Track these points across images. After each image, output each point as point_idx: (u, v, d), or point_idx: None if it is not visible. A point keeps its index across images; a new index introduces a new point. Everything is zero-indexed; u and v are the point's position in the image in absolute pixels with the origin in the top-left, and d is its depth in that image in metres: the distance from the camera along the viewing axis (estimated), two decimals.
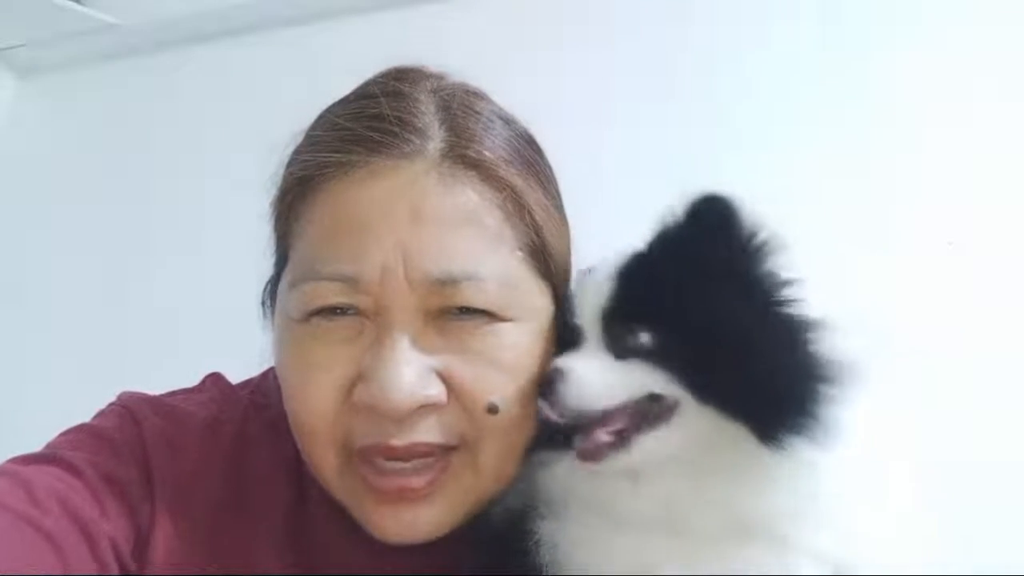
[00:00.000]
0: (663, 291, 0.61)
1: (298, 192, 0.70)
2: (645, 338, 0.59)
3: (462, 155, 0.67)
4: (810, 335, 0.58)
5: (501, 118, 0.75)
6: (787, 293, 0.61)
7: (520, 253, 0.68)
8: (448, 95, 0.72)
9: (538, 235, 0.70)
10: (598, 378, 0.59)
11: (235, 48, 2.09)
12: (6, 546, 0.54)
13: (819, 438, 0.54)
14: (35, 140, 2.24)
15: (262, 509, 0.72)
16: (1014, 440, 1.33)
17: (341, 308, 0.65)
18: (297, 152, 0.74)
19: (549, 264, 0.71)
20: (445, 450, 0.65)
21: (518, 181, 0.69)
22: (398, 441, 0.62)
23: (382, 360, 0.62)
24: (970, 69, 1.55)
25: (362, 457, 0.65)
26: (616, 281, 0.63)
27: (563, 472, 0.64)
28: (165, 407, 0.75)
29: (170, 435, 0.71)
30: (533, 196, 0.70)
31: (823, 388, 0.55)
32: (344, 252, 0.64)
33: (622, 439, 0.59)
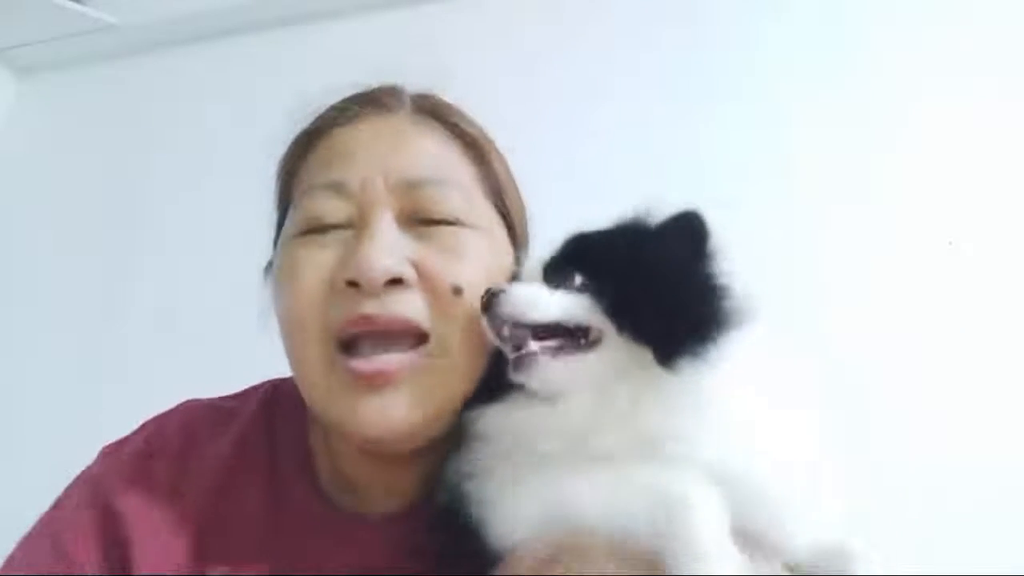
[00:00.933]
0: (602, 250, 0.70)
1: (299, 150, 0.83)
2: (578, 280, 0.68)
3: (430, 110, 0.83)
4: (716, 286, 0.66)
5: (463, 111, 0.87)
6: (710, 268, 0.69)
7: (480, 186, 0.81)
8: (422, 92, 0.87)
9: (496, 180, 0.83)
10: (532, 294, 0.68)
11: (235, 48, 2.09)
12: None
13: (711, 363, 0.61)
14: (35, 140, 2.24)
15: (240, 501, 0.80)
16: (1014, 439, 1.33)
17: (331, 224, 0.75)
18: (299, 126, 0.86)
19: (506, 207, 0.84)
20: (417, 339, 0.72)
21: (478, 135, 0.84)
22: (373, 310, 0.70)
23: (363, 241, 0.72)
24: (970, 69, 1.55)
25: (342, 347, 0.72)
26: (564, 242, 0.73)
27: (495, 412, 0.70)
28: (137, 450, 0.84)
29: (142, 481, 0.80)
30: (492, 152, 0.85)
31: (718, 323, 0.63)
32: (335, 168, 0.77)
33: (553, 353, 0.66)
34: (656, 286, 0.66)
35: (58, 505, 0.81)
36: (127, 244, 2.01)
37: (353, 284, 0.71)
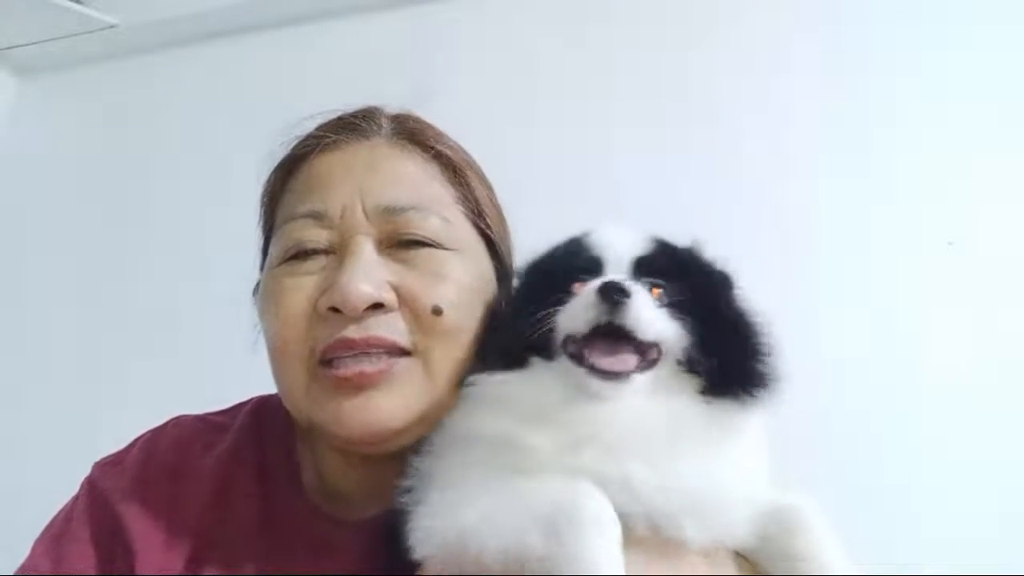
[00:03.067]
0: (688, 272, 0.72)
1: (281, 175, 0.86)
2: (665, 295, 0.69)
3: (409, 135, 0.85)
4: (769, 341, 0.70)
5: (441, 132, 0.89)
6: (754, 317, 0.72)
7: (459, 207, 0.83)
8: (400, 113, 0.89)
9: (475, 200, 0.85)
10: (651, 312, 0.66)
11: (235, 48, 2.09)
12: None
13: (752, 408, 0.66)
14: (35, 140, 2.24)
15: (232, 510, 0.83)
16: (1014, 438, 1.33)
17: (313, 250, 0.78)
18: (282, 149, 0.88)
19: (486, 224, 0.85)
20: (398, 351, 0.75)
21: (455, 157, 0.85)
22: (355, 334, 0.73)
23: (343, 269, 0.74)
24: (970, 70, 1.55)
25: (325, 363, 0.75)
26: (651, 243, 0.73)
27: (520, 381, 0.69)
28: (133, 462, 0.86)
29: (139, 491, 0.83)
30: (470, 173, 0.86)
31: (771, 375, 0.67)
32: (315, 197, 0.79)
33: (639, 369, 0.66)
34: (736, 330, 0.69)
35: (56, 520, 0.84)
36: (127, 244, 2.01)
37: (335, 310, 0.73)
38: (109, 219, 2.05)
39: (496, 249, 0.86)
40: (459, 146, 0.88)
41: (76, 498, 0.85)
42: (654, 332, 0.65)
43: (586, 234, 0.75)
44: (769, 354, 0.68)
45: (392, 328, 0.74)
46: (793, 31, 1.69)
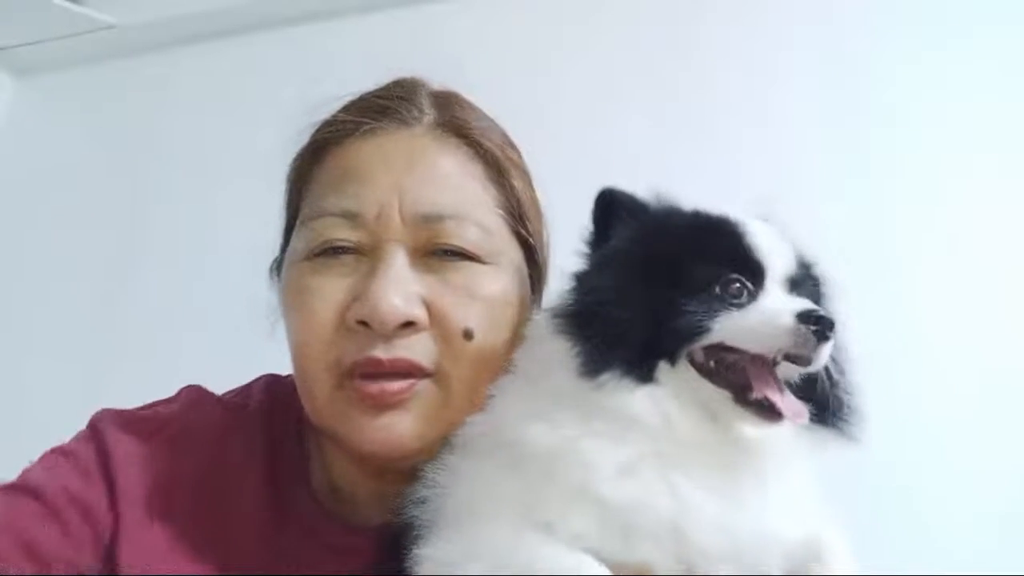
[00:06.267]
0: (815, 295, 0.65)
1: (311, 158, 0.81)
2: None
3: (452, 126, 0.79)
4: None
5: (487, 116, 0.84)
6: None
7: (500, 211, 0.79)
8: (442, 92, 0.84)
9: (517, 202, 0.81)
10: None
11: (234, 48, 2.09)
12: None
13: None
14: (34, 140, 2.24)
15: (238, 498, 0.79)
16: (1014, 439, 1.33)
17: (342, 247, 0.74)
18: (312, 129, 0.83)
19: (526, 228, 0.81)
20: (422, 374, 0.73)
21: (499, 154, 0.81)
22: (383, 354, 0.70)
23: (375, 280, 0.71)
24: (970, 70, 1.55)
25: (350, 375, 0.72)
26: (796, 259, 0.65)
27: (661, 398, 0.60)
28: (136, 422, 0.83)
29: (139, 451, 0.79)
30: (513, 171, 0.82)
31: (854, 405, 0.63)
32: (348, 192, 0.74)
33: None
34: (840, 363, 0.63)
35: (55, 458, 0.80)
36: (127, 244, 2.01)
37: (364, 323, 0.71)
38: (108, 219, 2.05)
39: (534, 255, 0.83)
40: (503, 134, 0.84)
41: (77, 446, 0.81)
42: (818, 370, 0.58)
43: (738, 224, 0.63)
44: (857, 391, 0.63)
45: (420, 351, 0.72)
46: (793, 31, 1.69)
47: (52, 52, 2.21)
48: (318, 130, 0.81)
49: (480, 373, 0.72)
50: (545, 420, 0.59)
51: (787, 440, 0.59)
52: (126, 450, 0.79)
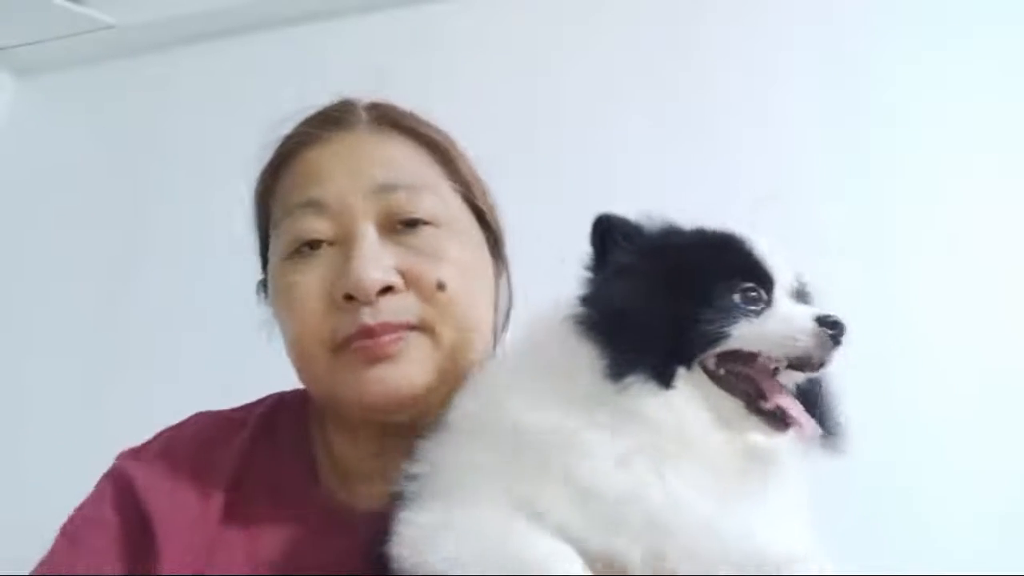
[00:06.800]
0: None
1: (272, 173, 0.90)
2: None
3: (389, 120, 0.89)
4: None
5: (417, 114, 0.92)
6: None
7: (449, 183, 0.87)
8: (378, 101, 0.92)
9: (462, 177, 0.89)
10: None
11: (234, 48, 2.09)
12: None
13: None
14: (34, 140, 2.24)
15: (246, 500, 0.86)
16: (1014, 439, 1.33)
17: (315, 241, 0.82)
18: (269, 148, 0.92)
19: (475, 200, 0.89)
20: (409, 328, 0.80)
21: (438, 138, 0.89)
22: (371, 320, 0.78)
23: (352, 258, 0.79)
24: (970, 70, 1.55)
25: (346, 346, 0.80)
26: (798, 276, 0.68)
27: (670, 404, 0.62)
28: (156, 451, 0.90)
29: (162, 478, 0.86)
30: (453, 152, 0.90)
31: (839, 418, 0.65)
32: (310, 187, 0.84)
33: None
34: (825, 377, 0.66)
35: (81, 507, 0.87)
36: (127, 244, 2.01)
37: (349, 297, 0.79)
38: (109, 219, 2.05)
39: (485, 219, 0.92)
40: (436, 126, 0.92)
41: (99, 490, 0.88)
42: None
43: (746, 241, 0.67)
44: (840, 401, 0.66)
45: (402, 309, 0.80)
46: (793, 31, 1.69)
47: (52, 52, 2.21)
48: (275, 148, 0.91)
49: (458, 320, 0.82)
50: (551, 410, 0.61)
51: (789, 452, 0.61)
52: (151, 483, 0.86)
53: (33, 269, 2.06)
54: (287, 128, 0.90)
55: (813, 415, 0.61)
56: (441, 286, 0.81)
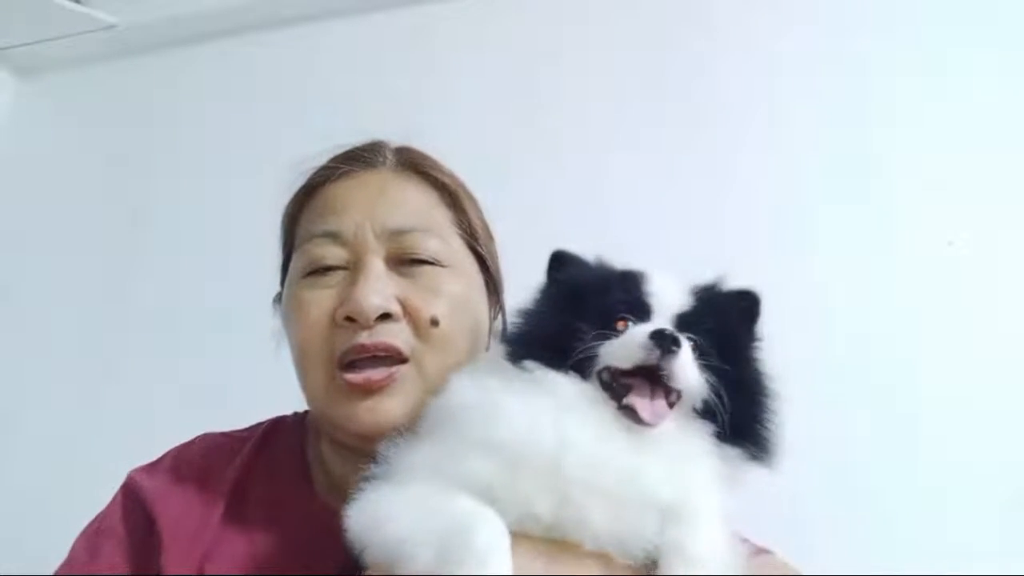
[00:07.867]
0: (717, 327, 0.76)
1: (301, 200, 0.97)
2: (695, 350, 0.73)
3: (411, 164, 0.97)
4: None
5: (439, 161, 1.00)
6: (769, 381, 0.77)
7: (456, 229, 0.95)
8: (403, 146, 1.00)
9: (469, 223, 0.97)
10: (693, 368, 0.71)
11: (235, 48, 2.09)
12: None
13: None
14: (35, 140, 2.24)
15: (247, 511, 0.93)
16: (1014, 439, 1.33)
17: (330, 266, 0.89)
18: (301, 178, 0.99)
19: (479, 243, 0.97)
20: (399, 360, 0.87)
21: (451, 184, 0.97)
22: (367, 340, 0.85)
23: (357, 284, 0.86)
24: (970, 70, 1.55)
25: (340, 366, 0.87)
26: (693, 298, 0.78)
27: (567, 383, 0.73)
28: (165, 465, 0.98)
29: (168, 485, 0.95)
30: (465, 199, 0.98)
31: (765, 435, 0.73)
32: (330, 219, 0.91)
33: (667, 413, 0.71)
34: (752, 392, 0.74)
35: (94, 520, 0.94)
36: (127, 244, 2.01)
37: (350, 319, 0.86)
38: (109, 219, 2.05)
39: (486, 264, 0.99)
40: (453, 173, 1.00)
41: (113, 500, 0.96)
42: (688, 383, 0.70)
43: (640, 276, 0.79)
44: (775, 421, 0.73)
45: (397, 335, 0.86)
46: (793, 31, 1.69)
47: (52, 52, 2.22)
48: (306, 178, 0.98)
49: (446, 355, 0.88)
50: (479, 390, 0.74)
51: (674, 429, 0.71)
52: (157, 492, 0.93)
53: (33, 268, 2.06)
54: (319, 161, 0.98)
55: (725, 426, 0.71)
56: (435, 322, 0.87)
